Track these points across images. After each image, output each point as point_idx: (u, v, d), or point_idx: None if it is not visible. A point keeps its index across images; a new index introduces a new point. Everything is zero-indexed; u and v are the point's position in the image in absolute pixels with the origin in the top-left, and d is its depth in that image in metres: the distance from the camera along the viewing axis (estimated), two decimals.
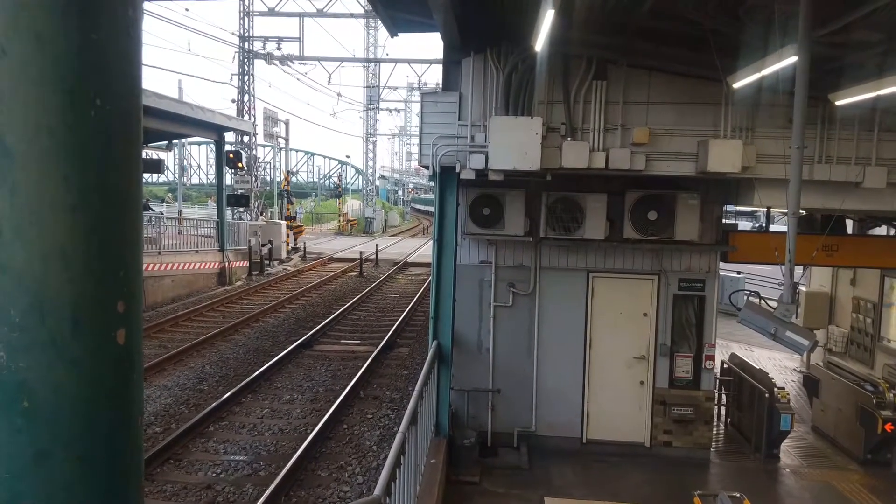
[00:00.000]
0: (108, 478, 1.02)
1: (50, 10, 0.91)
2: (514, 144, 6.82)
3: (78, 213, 0.95)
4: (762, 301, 6.99)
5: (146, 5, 22.15)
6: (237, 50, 30.08)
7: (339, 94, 37.10)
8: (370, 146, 52.49)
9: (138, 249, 1.07)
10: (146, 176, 45.08)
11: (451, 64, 7.81)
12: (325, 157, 69.19)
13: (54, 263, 0.93)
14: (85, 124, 0.95)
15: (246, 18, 29.80)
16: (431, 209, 10.86)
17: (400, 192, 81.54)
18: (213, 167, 26.39)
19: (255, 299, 19.65)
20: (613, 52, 7.29)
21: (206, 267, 21.49)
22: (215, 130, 22.55)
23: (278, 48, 29.08)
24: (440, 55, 8.28)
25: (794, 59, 5.32)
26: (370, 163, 53.71)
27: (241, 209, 28.29)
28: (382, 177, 71.50)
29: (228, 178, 27.67)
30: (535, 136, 6.81)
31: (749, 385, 9.29)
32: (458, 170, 7.42)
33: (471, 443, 7.96)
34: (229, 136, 26.53)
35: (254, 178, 29.48)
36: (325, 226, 51.10)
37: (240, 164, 26.13)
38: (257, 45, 29.81)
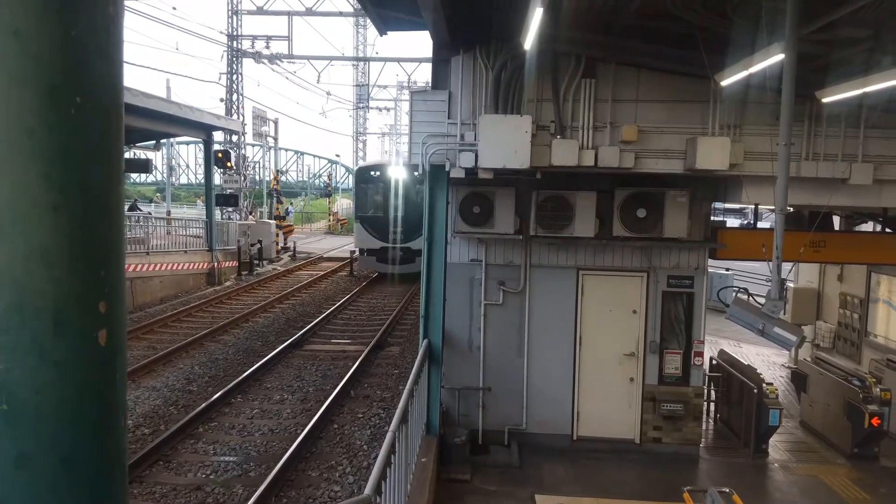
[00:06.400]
0: (91, 480, 1.01)
1: (29, 8, 0.90)
2: (504, 143, 6.82)
3: (59, 213, 0.94)
4: (750, 297, 7.04)
5: (132, 4, 21.98)
6: (226, 49, 29.91)
7: (328, 93, 36.91)
8: (360, 145, 52.38)
9: (121, 249, 1.06)
10: (134, 176, 44.78)
11: (440, 62, 7.80)
12: (314, 156, 68.88)
13: (35, 263, 0.92)
14: (65, 122, 0.94)
15: (234, 17, 29.63)
16: None
17: None
18: (202, 167, 26.35)
19: (244, 299, 19.56)
20: (602, 50, 7.30)
21: (195, 267, 21.36)
22: (204, 130, 22.41)
23: (267, 47, 28.91)
24: (430, 54, 8.27)
25: (781, 56, 5.35)
26: (360, 162, 53.57)
27: (230, 209, 28.14)
28: None
29: (217, 178, 27.51)
30: (525, 135, 6.82)
31: (738, 381, 9.35)
32: (447, 168, 7.42)
33: (461, 441, 7.96)
34: (218, 136, 26.39)
35: (243, 178, 29.32)
36: (315, 225, 50.95)
37: (228, 164, 25.99)
38: (246, 44, 29.65)
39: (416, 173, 18.80)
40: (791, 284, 12.92)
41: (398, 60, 31.44)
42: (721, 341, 14.02)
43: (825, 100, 6.54)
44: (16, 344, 0.92)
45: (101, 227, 1.00)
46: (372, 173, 22.34)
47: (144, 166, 24.98)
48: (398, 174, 21.24)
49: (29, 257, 0.91)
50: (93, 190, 0.98)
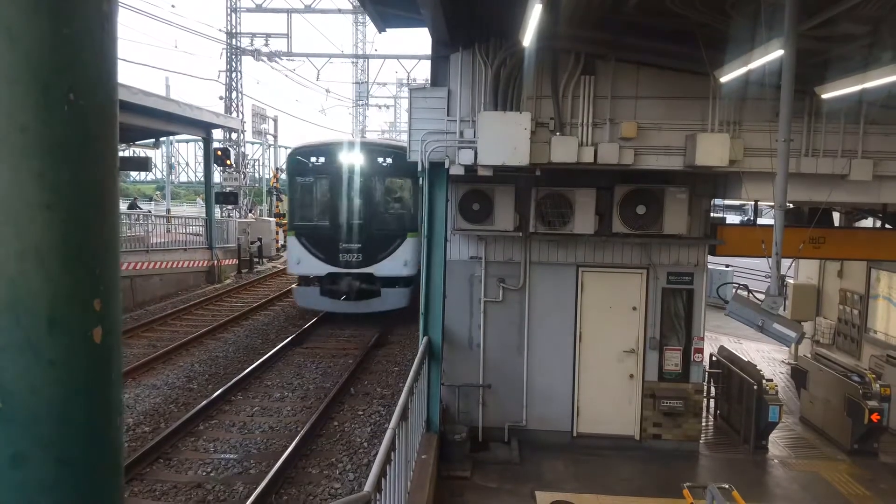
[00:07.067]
0: (87, 479, 1.00)
1: (20, 5, 0.90)
2: (503, 140, 6.82)
3: (53, 211, 0.93)
4: (750, 294, 7.03)
5: (131, 2, 21.93)
6: (225, 47, 29.89)
7: (327, 91, 36.94)
8: None
9: (116, 246, 1.05)
10: (134, 174, 44.75)
11: (439, 59, 7.79)
12: None
13: (29, 262, 0.91)
14: (59, 120, 0.94)
15: (233, 14, 29.60)
16: None
17: None
18: (202, 165, 26.37)
19: (244, 297, 19.57)
20: (601, 47, 7.29)
21: (195, 265, 21.37)
22: (203, 128, 22.40)
23: (266, 44, 28.88)
24: (429, 51, 8.26)
25: (780, 52, 5.34)
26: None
27: (229, 207, 28.14)
28: None
29: (217, 176, 27.50)
30: (524, 132, 6.81)
31: (738, 377, 9.35)
32: (447, 165, 7.41)
33: (462, 438, 7.97)
34: (217, 134, 26.38)
35: (242, 176, 29.34)
36: None
37: (228, 162, 26.00)
38: (245, 42, 29.62)
39: (381, 160, 14.50)
40: (791, 281, 12.92)
41: (397, 57, 31.40)
42: (721, 338, 14.03)
43: (824, 96, 6.53)
44: (9, 343, 0.92)
45: (96, 225, 1.00)
46: (312, 160, 14.95)
47: (144, 164, 25.02)
48: (354, 160, 14.56)
49: (22, 256, 0.91)
50: (87, 188, 0.98)
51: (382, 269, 14.34)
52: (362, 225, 14.44)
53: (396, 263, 14.24)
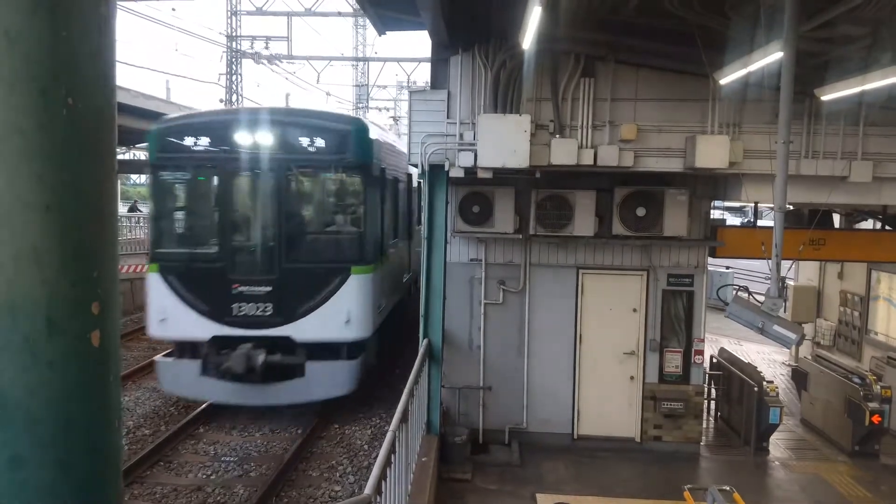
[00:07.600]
0: (85, 480, 1.01)
1: (19, 8, 0.90)
2: (503, 142, 6.82)
3: (51, 213, 0.93)
4: (750, 296, 7.03)
5: (131, 5, 21.96)
6: (225, 50, 29.91)
7: (328, 94, 36.91)
8: None
9: (114, 250, 1.06)
10: (135, 177, 44.75)
11: (439, 62, 7.80)
12: None
13: (27, 263, 0.92)
14: (57, 123, 0.94)
15: (233, 18, 29.63)
16: None
17: None
18: None
19: None
20: (601, 49, 7.30)
21: None
22: None
23: (266, 47, 28.89)
24: (429, 53, 8.28)
25: (779, 54, 5.35)
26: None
27: None
28: None
29: None
30: (524, 134, 6.81)
31: (738, 379, 9.34)
32: (447, 168, 7.41)
33: (462, 440, 7.95)
34: None
35: None
36: None
37: None
38: (245, 45, 29.62)
39: (310, 141, 8.79)
40: (791, 282, 12.91)
41: (397, 60, 31.36)
42: (721, 339, 14.01)
43: (824, 97, 6.53)
44: (8, 344, 0.92)
45: (94, 228, 1.00)
46: (188, 143, 9.03)
47: (145, 167, 24.98)
48: (263, 142, 8.98)
49: (20, 258, 0.91)
50: (85, 190, 0.98)
51: (307, 329, 8.92)
52: (274, 253, 8.99)
53: (332, 320, 8.91)
